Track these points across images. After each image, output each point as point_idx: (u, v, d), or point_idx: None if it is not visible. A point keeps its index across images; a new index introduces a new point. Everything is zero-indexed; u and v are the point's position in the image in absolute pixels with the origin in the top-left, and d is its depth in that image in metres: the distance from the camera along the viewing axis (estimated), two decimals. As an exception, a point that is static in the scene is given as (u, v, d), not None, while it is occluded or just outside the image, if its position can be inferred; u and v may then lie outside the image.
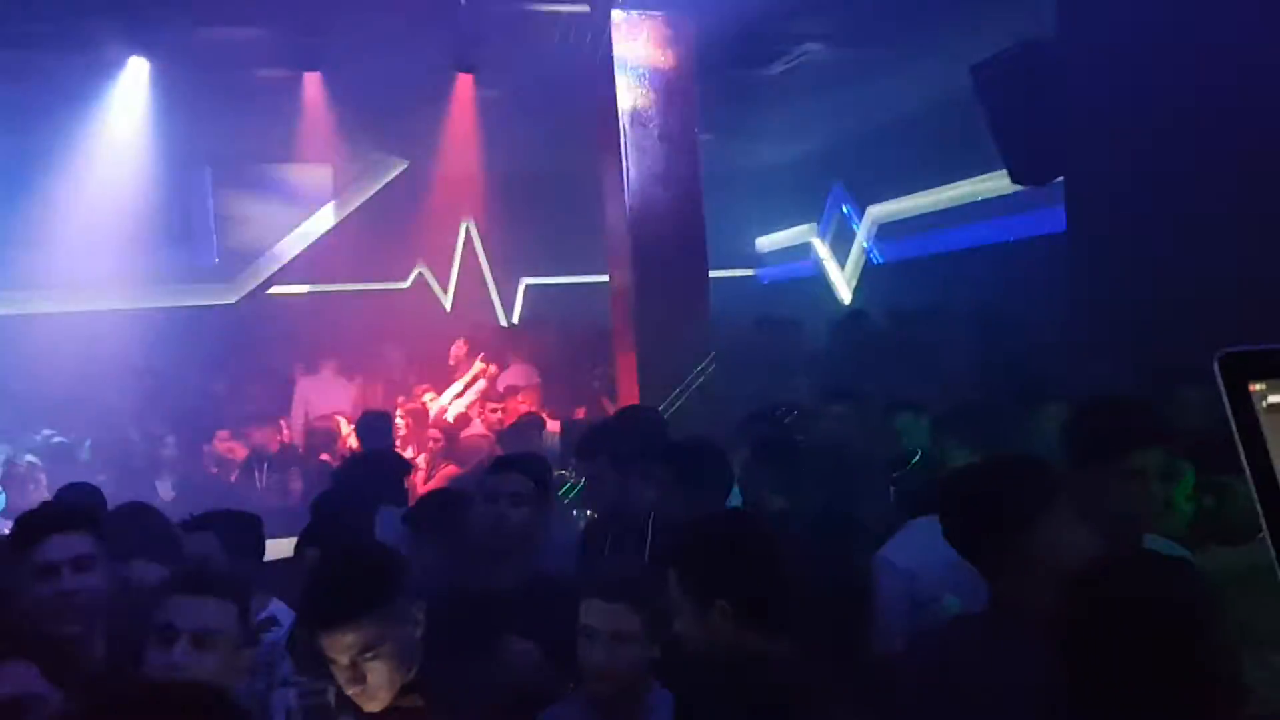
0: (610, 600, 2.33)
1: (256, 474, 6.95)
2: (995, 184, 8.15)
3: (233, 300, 10.74)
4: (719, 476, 3.56)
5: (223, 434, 7.81)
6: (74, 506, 3.05)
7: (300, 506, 5.32)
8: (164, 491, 6.70)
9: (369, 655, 2.11)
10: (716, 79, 7.40)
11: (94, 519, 2.62)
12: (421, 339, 10.40)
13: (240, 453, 7.62)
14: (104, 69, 7.36)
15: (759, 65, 8.09)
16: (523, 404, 8.27)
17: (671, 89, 6.79)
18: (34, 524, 2.51)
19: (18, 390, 8.38)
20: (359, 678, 2.12)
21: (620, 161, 6.79)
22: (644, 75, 6.78)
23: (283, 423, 8.57)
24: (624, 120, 6.77)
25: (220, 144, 8.88)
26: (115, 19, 6.46)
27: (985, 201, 8.69)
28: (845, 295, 10.81)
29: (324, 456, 7.65)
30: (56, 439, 7.72)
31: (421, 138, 9.08)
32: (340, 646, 2.11)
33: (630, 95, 6.79)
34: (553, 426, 7.39)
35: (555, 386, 9.29)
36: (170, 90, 7.57)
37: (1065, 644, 1.67)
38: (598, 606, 2.33)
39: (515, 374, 9.39)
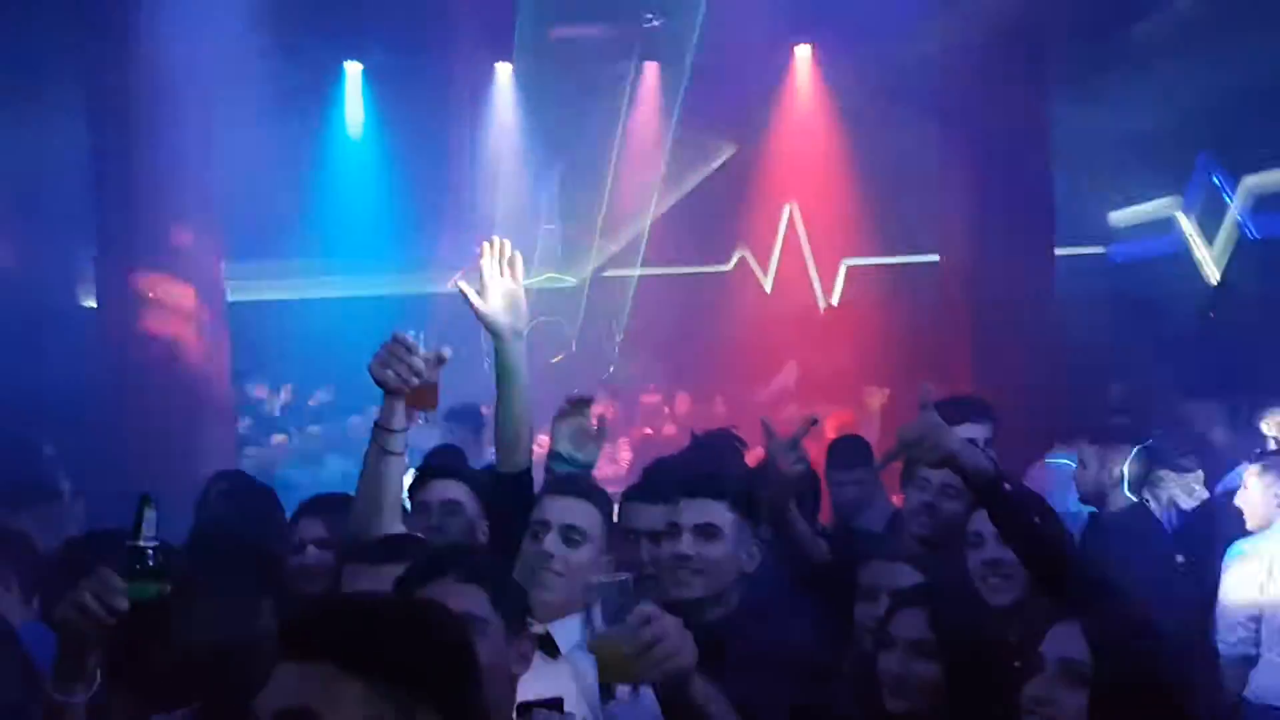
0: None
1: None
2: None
3: (572, 282, 11.40)
4: None
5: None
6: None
7: (629, 475, 5.64)
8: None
9: (704, 535, 2.41)
10: (1071, 42, 6.87)
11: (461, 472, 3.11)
12: (742, 321, 10.54)
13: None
14: (472, 72, 8.06)
15: (1118, 26, 7.42)
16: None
17: (1022, 54, 6.37)
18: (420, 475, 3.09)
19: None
20: (685, 551, 2.40)
21: (962, 131, 6.48)
22: (991, 38, 6.40)
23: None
24: (967, 87, 6.44)
25: (569, 135, 9.49)
26: (482, 28, 7.07)
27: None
28: (1213, 275, 9.72)
29: (648, 430, 8.08)
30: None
31: (753, 117, 9.17)
32: (688, 513, 2.44)
33: (973, 60, 6.44)
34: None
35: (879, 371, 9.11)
36: (529, 89, 8.20)
37: None
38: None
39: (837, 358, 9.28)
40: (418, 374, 2.33)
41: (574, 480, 2.56)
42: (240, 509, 3.49)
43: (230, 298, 6.91)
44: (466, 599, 1.74)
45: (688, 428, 4.89)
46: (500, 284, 2.54)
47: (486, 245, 2.58)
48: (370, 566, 2.10)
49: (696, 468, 3.75)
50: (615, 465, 7.29)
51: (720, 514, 2.45)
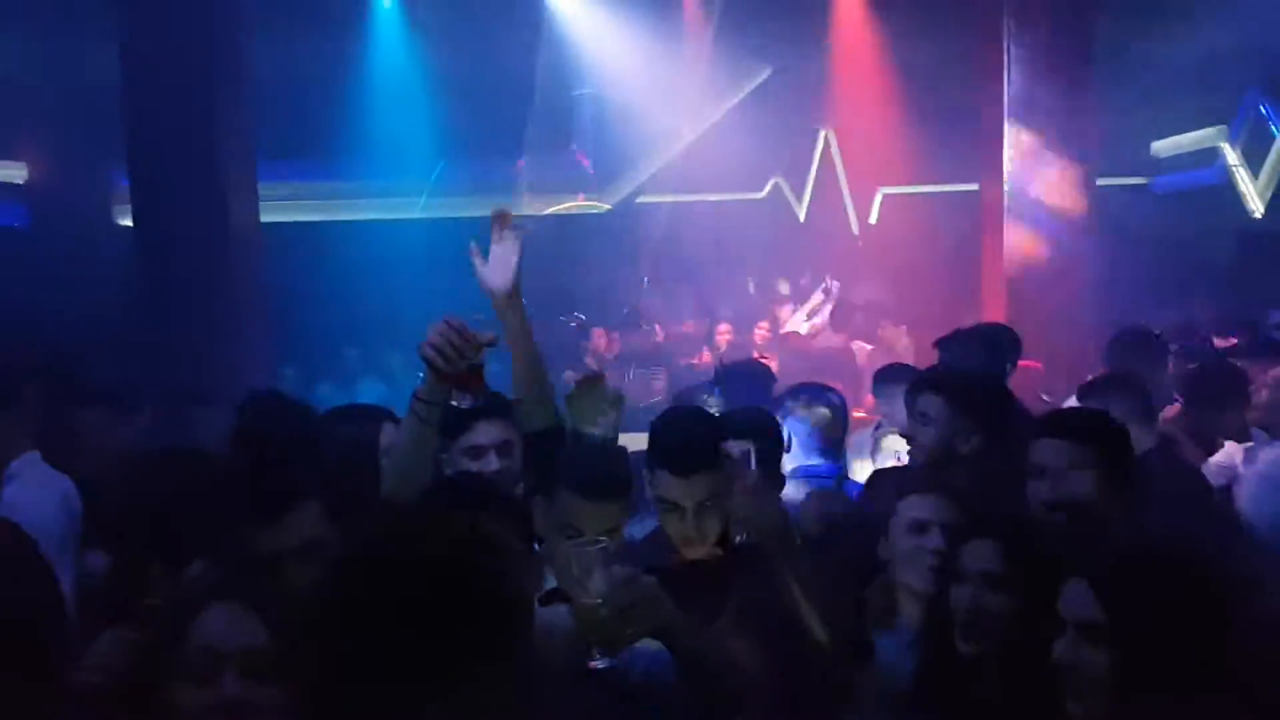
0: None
1: (626, 371, 7.35)
2: None
3: (606, 207, 11.33)
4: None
5: (598, 332, 8.44)
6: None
7: (665, 403, 5.64)
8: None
9: (709, 503, 2.31)
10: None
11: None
12: (775, 249, 10.45)
13: (614, 348, 8.20)
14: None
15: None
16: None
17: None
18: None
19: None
20: (696, 524, 2.31)
21: (1001, 57, 6.32)
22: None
23: (657, 326, 9.02)
24: (1007, 11, 6.27)
25: (603, 56, 9.32)
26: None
27: None
28: (1257, 207, 9.51)
29: (694, 360, 8.12)
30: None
31: (790, 40, 8.98)
32: (692, 492, 2.31)
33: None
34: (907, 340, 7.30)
35: (913, 300, 9.03)
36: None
37: None
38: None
39: (869, 288, 9.21)
40: (467, 359, 2.32)
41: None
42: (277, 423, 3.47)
43: (264, 218, 6.92)
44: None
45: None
46: (495, 248, 2.55)
47: (493, 209, 2.61)
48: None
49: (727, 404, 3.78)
50: (652, 395, 7.26)
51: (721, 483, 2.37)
